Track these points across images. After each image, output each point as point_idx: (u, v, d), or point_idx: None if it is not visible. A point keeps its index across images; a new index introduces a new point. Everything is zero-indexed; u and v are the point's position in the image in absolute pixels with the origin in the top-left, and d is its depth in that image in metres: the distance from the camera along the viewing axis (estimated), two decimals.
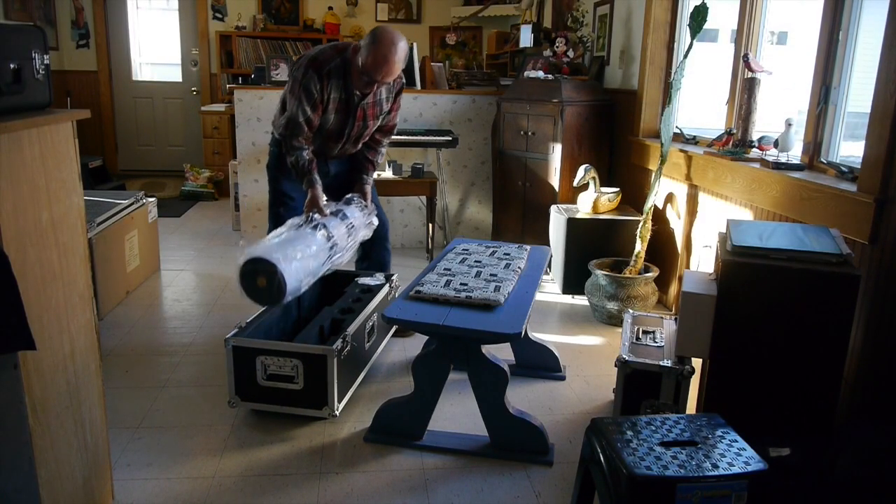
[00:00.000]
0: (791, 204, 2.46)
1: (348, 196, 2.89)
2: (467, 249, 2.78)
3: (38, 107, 1.58)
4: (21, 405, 1.46)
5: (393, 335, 3.12)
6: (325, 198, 2.72)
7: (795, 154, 2.69)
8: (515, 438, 2.23)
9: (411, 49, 4.59)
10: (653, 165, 3.57)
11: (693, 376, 2.19)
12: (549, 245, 3.91)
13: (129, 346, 3.03)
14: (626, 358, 2.24)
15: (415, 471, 2.15)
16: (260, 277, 2.25)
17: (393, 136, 3.10)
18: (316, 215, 2.61)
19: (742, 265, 1.93)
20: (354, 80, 2.69)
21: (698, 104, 3.76)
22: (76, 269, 1.68)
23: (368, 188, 2.98)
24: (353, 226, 2.72)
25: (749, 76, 2.90)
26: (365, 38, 2.60)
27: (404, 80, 2.98)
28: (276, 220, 2.96)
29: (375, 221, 2.92)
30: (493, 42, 6.59)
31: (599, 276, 3.38)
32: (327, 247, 2.51)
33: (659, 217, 3.64)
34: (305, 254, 2.37)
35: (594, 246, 3.65)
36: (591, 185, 3.72)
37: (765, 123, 2.99)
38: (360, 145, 2.97)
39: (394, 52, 2.55)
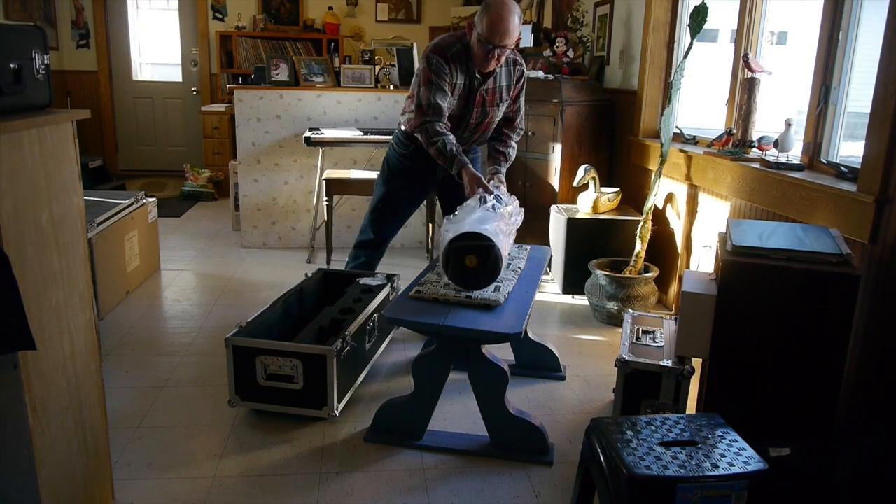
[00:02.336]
0: (791, 204, 2.46)
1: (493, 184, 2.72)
2: None
3: (39, 107, 1.58)
4: (21, 405, 1.46)
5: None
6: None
7: (795, 154, 2.69)
8: (515, 438, 2.23)
9: (411, 49, 4.58)
10: (653, 165, 3.57)
11: (693, 376, 2.19)
12: (549, 245, 3.91)
13: (129, 346, 3.03)
14: (626, 358, 2.24)
15: (415, 471, 2.15)
16: (469, 256, 2.04)
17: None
18: (484, 193, 2.45)
19: (742, 265, 1.93)
20: (475, 61, 2.66)
21: (698, 104, 3.76)
22: (76, 270, 1.68)
23: (502, 177, 2.91)
24: (511, 210, 2.51)
25: (749, 76, 2.90)
26: (479, 11, 2.58)
27: (525, 67, 2.88)
28: (376, 220, 3.00)
29: (520, 218, 2.62)
30: None
31: (599, 276, 3.38)
32: (509, 225, 2.31)
33: (659, 217, 3.64)
34: (503, 231, 2.16)
35: (594, 246, 3.64)
36: (591, 185, 3.72)
37: (765, 123, 2.99)
38: (477, 137, 2.93)
39: (507, 10, 2.53)
